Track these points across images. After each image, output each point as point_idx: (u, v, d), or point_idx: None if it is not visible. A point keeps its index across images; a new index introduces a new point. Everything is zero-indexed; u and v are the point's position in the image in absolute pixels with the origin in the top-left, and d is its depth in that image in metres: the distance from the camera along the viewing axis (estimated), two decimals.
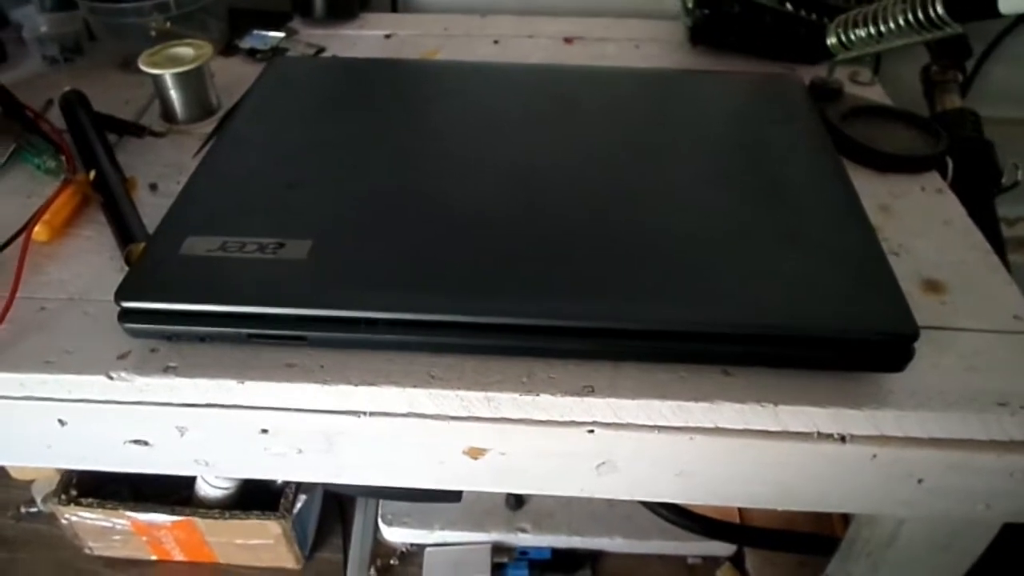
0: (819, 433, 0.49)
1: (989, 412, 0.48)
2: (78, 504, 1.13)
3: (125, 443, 0.54)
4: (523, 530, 1.16)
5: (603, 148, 0.64)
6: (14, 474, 1.33)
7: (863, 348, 0.48)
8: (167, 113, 0.77)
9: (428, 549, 1.19)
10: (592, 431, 0.50)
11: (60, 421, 0.52)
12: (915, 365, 0.48)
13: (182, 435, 0.52)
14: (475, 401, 0.49)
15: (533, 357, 0.50)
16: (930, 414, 0.48)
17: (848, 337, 0.48)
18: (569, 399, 0.48)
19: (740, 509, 1.13)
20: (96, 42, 0.92)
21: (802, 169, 0.61)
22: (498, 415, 0.50)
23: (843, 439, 0.49)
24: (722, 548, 1.17)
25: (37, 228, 0.59)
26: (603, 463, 0.52)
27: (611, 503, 1.14)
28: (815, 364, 0.49)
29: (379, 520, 1.20)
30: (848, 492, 0.53)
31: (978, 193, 0.73)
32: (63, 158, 0.68)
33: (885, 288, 0.50)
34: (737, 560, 1.18)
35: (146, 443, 0.54)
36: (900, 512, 0.59)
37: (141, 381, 0.50)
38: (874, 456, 0.49)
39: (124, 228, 0.60)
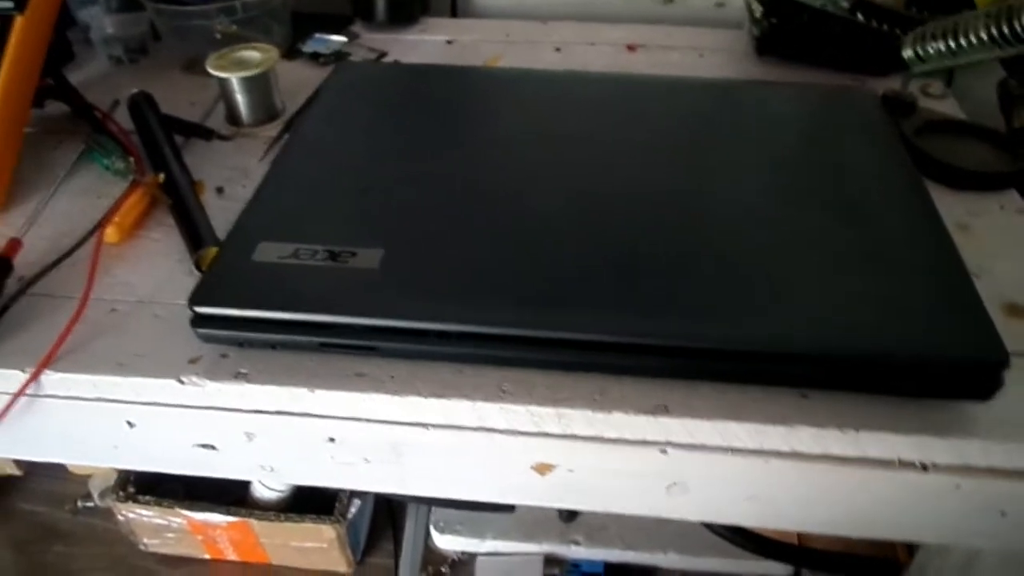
0: (900, 460, 0.47)
1: None
2: (135, 501, 1.14)
3: (192, 446, 0.54)
4: (576, 542, 1.15)
5: (677, 162, 0.62)
6: (72, 468, 1.35)
7: (949, 374, 0.46)
8: (232, 116, 0.77)
9: (479, 558, 1.18)
10: (664, 451, 0.48)
11: (129, 423, 0.53)
12: (1002, 393, 0.46)
13: (250, 440, 0.52)
14: (546, 417, 0.48)
15: (605, 374, 0.49)
16: (1017, 445, 0.46)
17: (933, 363, 0.46)
18: (642, 418, 0.47)
19: None
20: (161, 43, 0.93)
21: (881, 185, 0.59)
22: (568, 432, 0.49)
23: (925, 467, 0.47)
24: (779, 568, 1.15)
25: (108, 229, 0.60)
26: (674, 484, 0.51)
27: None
28: (897, 390, 0.48)
29: (431, 527, 1.20)
30: (927, 522, 0.51)
31: None
32: (131, 159, 0.68)
33: (971, 311, 0.48)
34: None
35: (213, 447, 0.54)
36: (979, 544, 0.57)
37: (212, 387, 0.50)
38: (957, 486, 0.48)
39: (194, 232, 0.60)
